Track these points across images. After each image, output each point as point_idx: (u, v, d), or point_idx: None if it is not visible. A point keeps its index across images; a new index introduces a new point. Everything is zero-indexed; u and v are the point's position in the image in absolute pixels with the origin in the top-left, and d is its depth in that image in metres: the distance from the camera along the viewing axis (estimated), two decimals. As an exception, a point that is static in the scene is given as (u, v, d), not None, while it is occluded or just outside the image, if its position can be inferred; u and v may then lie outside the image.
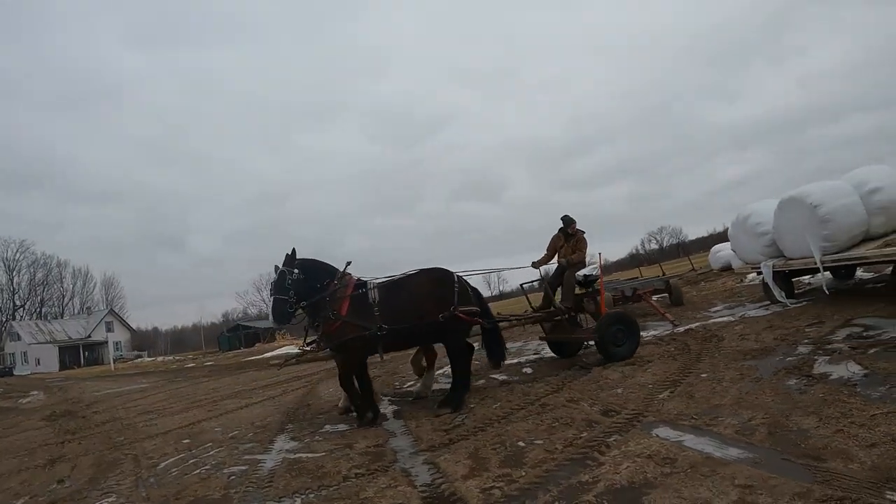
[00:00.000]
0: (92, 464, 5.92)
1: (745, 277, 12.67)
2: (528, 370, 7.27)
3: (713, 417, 4.02)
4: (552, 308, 7.29)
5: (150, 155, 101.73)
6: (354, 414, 6.29)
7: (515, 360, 7.94)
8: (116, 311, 62.50)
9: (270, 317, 5.82)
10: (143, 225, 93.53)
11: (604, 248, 7.65)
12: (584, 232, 7.67)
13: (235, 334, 51.47)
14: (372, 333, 5.60)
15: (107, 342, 53.92)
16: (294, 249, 5.86)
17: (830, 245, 6.92)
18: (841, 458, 3.01)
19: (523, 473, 3.59)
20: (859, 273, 8.99)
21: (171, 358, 44.35)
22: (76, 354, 53.30)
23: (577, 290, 7.67)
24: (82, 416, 10.67)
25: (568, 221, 7.69)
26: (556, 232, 7.85)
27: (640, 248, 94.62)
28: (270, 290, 5.90)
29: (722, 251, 17.85)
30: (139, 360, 47.58)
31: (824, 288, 7.15)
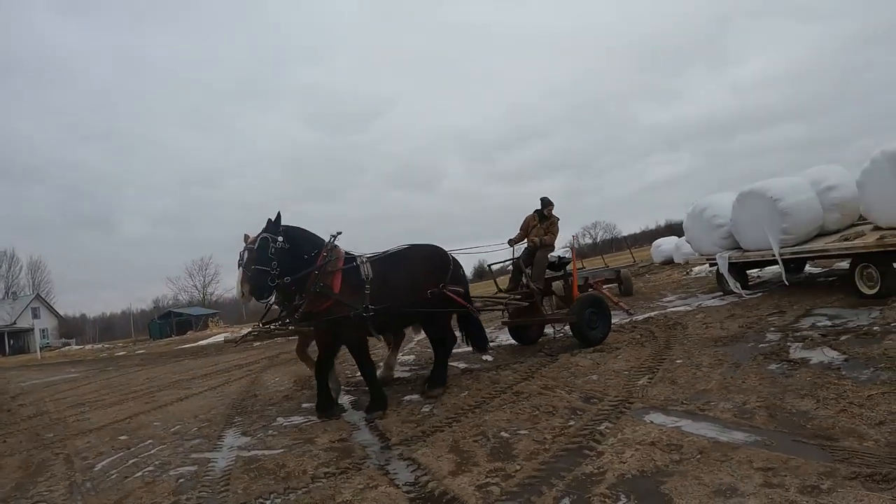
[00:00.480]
0: (19, 466, 5.12)
1: (692, 270, 12.93)
2: (489, 357, 6.95)
3: (705, 402, 3.83)
4: (526, 288, 6.99)
5: (77, 131, 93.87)
6: (314, 404, 5.65)
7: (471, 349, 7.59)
8: (43, 296, 57.51)
9: (245, 291, 4.76)
10: (68, 205, 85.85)
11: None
12: (558, 218, 7.48)
13: (167, 321, 48.79)
14: (358, 314, 4.95)
15: (33, 329, 49.89)
16: (279, 214, 4.97)
17: (789, 238, 7.02)
18: (853, 436, 2.88)
19: (518, 467, 3.25)
20: (808, 268, 9.24)
21: (100, 346, 41.23)
22: (0, 342, 48.89)
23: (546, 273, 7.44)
24: (7, 409, 9.46)
25: (546, 203, 7.51)
26: (531, 212, 7.62)
27: (574, 241, 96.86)
28: (240, 260, 4.90)
29: (663, 245, 18.36)
30: (67, 348, 44.07)
31: (784, 279, 7.24)
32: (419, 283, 5.36)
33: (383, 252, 5.47)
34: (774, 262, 7.39)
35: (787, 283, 7.30)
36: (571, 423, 3.89)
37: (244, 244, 4.98)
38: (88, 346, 42.22)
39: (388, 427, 4.59)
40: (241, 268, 4.87)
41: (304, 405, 5.91)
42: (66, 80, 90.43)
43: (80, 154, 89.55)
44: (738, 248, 8.11)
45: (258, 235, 4.88)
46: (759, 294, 7.89)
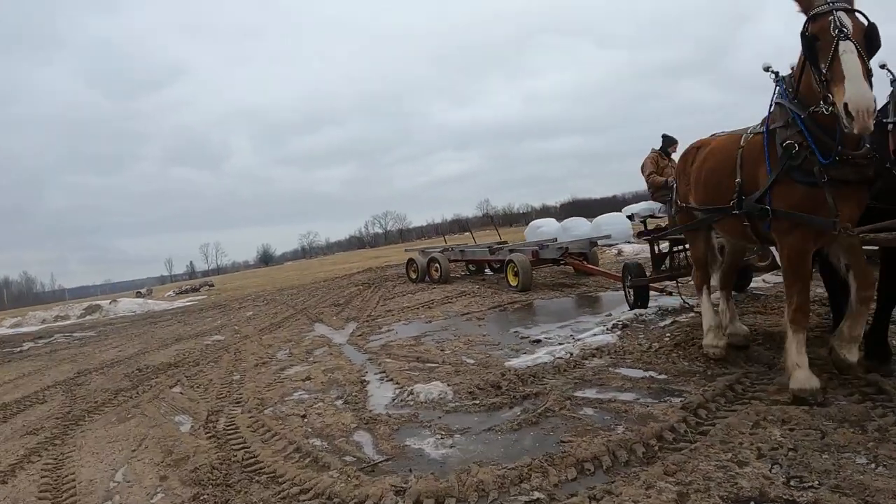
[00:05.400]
0: None
1: (619, 250, 11.99)
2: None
3: None
4: None
5: None
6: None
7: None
8: None
9: None
10: None
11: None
12: None
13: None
14: None
15: None
16: None
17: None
18: None
19: None
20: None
21: None
22: None
23: None
24: None
25: (671, 141, 6.69)
26: (651, 153, 6.66)
27: (363, 230, 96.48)
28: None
29: (543, 227, 17.64)
30: None
31: None
32: None
33: None
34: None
35: None
36: None
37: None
38: None
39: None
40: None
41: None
42: None
43: None
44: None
45: None
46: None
